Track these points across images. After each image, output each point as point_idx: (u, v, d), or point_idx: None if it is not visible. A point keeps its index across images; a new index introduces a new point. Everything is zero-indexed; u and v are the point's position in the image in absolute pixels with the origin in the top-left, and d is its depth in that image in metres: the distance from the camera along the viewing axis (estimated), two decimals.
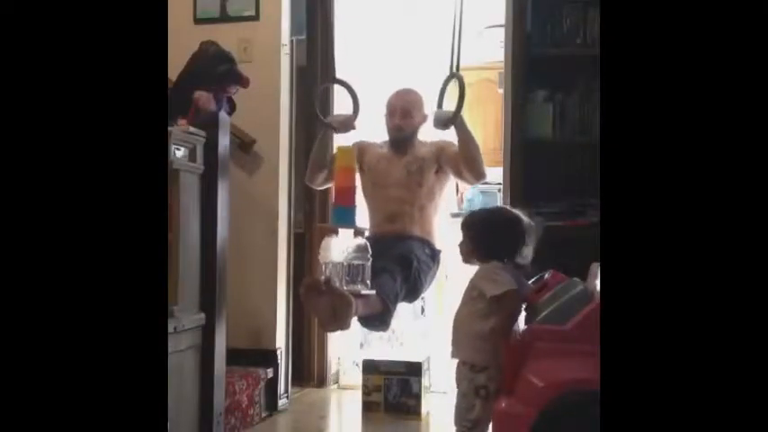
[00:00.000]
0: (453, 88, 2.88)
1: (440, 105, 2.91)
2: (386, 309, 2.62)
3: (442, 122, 2.90)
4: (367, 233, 2.65)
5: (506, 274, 2.29)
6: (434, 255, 3.00)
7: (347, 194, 2.57)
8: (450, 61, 2.88)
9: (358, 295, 2.44)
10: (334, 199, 2.67)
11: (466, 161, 2.93)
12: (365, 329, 3.02)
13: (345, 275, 2.42)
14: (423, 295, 2.97)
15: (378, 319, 2.66)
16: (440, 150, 3.03)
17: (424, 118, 3.07)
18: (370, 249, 2.47)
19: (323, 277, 2.39)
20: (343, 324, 2.45)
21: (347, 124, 3.07)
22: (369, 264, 2.46)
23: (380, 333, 4.27)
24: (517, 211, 2.42)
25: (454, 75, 2.88)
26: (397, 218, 3.00)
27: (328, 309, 2.37)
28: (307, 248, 3.97)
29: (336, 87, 3.36)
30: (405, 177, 3.02)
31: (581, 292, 2.25)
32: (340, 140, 3.28)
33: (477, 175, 2.95)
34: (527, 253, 2.37)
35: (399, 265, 2.73)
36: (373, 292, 2.51)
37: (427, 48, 4.84)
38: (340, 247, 2.44)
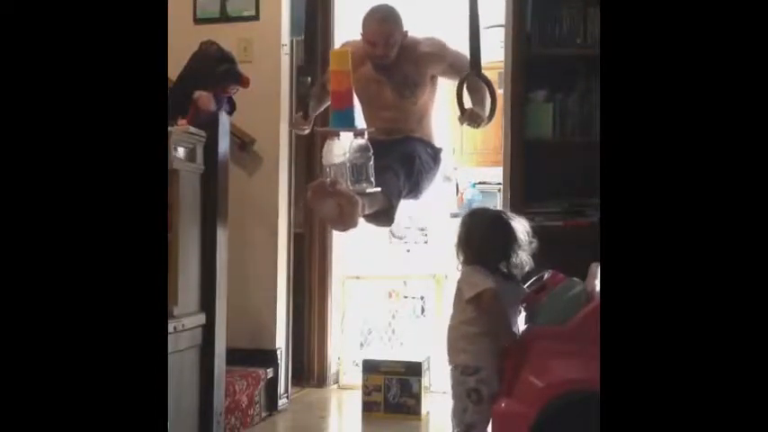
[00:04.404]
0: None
1: (460, 105, 2.86)
2: (390, 205, 2.69)
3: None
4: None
5: (482, 276, 2.27)
6: (436, 154, 3.05)
7: (344, 98, 2.50)
8: (471, 63, 2.82)
9: (363, 194, 2.46)
10: (331, 104, 2.63)
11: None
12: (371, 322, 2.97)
13: (350, 176, 2.43)
14: (424, 191, 2.99)
15: (383, 216, 2.73)
16: (434, 64, 3.00)
17: (405, 34, 3.02)
18: (371, 148, 2.48)
19: (328, 180, 2.40)
20: (350, 223, 2.47)
21: (298, 126, 3.11)
22: (371, 162, 2.47)
23: (381, 333, 4.30)
24: (513, 217, 2.38)
25: (470, 75, 2.82)
26: (395, 132, 3.01)
27: (335, 209, 2.39)
28: (306, 248, 3.97)
29: None
30: (398, 100, 3.02)
31: (581, 292, 2.25)
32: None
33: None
34: (518, 261, 2.34)
35: (401, 163, 2.77)
36: (378, 189, 2.53)
37: None
38: (342, 148, 2.45)
